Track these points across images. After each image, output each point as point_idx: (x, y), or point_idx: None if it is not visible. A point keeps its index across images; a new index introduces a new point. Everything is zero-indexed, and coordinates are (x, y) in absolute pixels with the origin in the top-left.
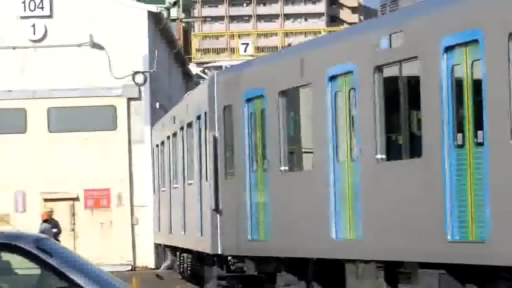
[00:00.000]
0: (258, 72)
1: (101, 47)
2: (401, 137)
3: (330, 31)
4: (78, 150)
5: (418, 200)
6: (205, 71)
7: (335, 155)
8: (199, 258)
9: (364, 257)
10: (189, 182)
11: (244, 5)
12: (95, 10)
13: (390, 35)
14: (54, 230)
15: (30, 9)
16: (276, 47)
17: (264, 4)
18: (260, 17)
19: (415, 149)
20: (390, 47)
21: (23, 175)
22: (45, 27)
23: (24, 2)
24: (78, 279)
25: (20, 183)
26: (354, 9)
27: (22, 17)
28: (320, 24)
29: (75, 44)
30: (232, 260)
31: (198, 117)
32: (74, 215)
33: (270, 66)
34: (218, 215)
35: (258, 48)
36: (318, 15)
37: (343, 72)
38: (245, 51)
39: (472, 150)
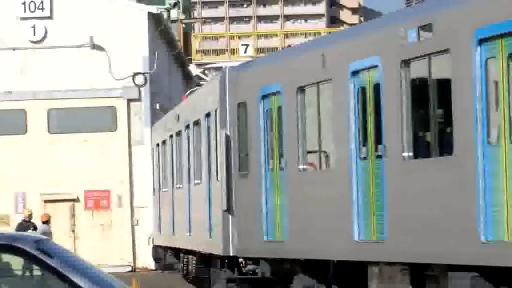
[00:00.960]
0: (274, 68)
1: (101, 48)
2: (429, 134)
3: (329, 32)
4: (78, 151)
5: (449, 199)
6: (205, 72)
7: (358, 153)
8: (205, 260)
9: (389, 259)
10: (196, 181)
11: (245, 5)
12: (95, 11)
13: (418, 28)
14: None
15: (30, 10)
16: (276, 48)
17: (264, 5)
18: (260, 18)
19: (445, 146)
20: (418, 40)
21: (23, 176)
22: (45, 29)
23: (24, 3)
24: (79, 281)
25: (20, 184)
26: (354, 10)
27: (22, 18)
28: (320, 25)
29: (75, 45)
30: (244, 262)
31: (207, 115)
32: (74, 216)
33: (288, 61)
34: (230, 216)
35: (258, 50)
36: (318, 16)
37: (367, 67)
38: (245, 52)
39: (507, 148)
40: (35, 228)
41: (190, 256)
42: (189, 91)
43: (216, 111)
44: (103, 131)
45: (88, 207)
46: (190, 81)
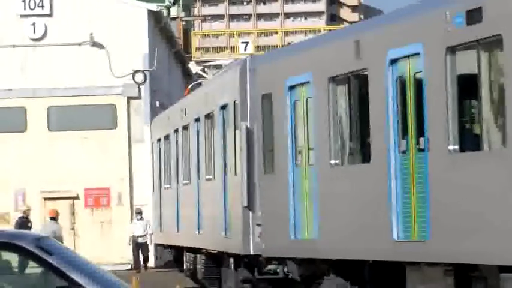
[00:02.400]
0: (303, 57)
1: (101, 46)
2: (478, 126)
3: (329, 30)
4: (78, 149)
5: (501, 194)
6: (205, 69)
7: (397, 146)
8: (215, 259)
9: (431, 259)
10: (207, 177)
11: (245, 3)
12: (95, 9)
13: (466, 12)
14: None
15: (30, 8)
16: (276, 46)
17: (264, 3)
18: (260, 16)
19: (496, 139)
20: (466, 25)
21: (23, 174)
22: (45, 26)
23: (24, 1)
24: (79, 279)
25: (20, 182)
26: (354, 8)
27: (22, 16)
28: (320, 23)
29: (75, 43)
30: (264, 262)
31: (223, 107)
32: (73, 214)
33: (318, 50)
34: (251, 213)
35: (258, 47)
36: (318, 14)
37: (407, 55)
38: (245, 50)
39: None
40: (31, 227)
41: (198, 255)
42: (191, 84)
43: (234, 103)
44: (103, 129)
45: (88, 205)
46: (190, 79)
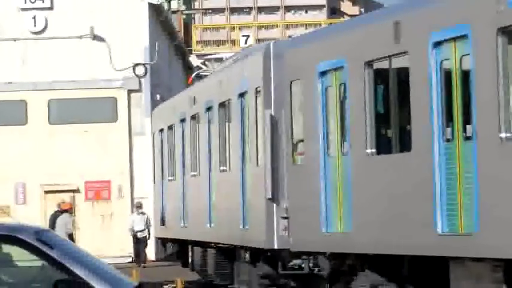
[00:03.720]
0: (336, 41)
1: (101, 39)
2: None
3: (330, 23)
4: (78, 142)
5: None
6: (206, 63)
7: (441, 134)
8: (227, 253)
9: (479, 254)
10: (221, 168)
11: None
12: (96, 2)
13: None
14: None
15: (30, 1)
16: (277, 39)
17: None
18: (261, 9)
19: None
20: None
21: (23, 167)
22: (46, 19)
23: None
24: (79, 271)
25: (20, 175)
26: (354, 2)
27: (23, 9)
28: (321, 16)
29: (75, 36)
30: (288, 256)
31: (241, 95)
32: (74, 206)
33: (353, 33)
34: (275, 205)
35: (259, 41)
36: (318, 7)
37: (452, 37)
38: (245, 43)
39: None
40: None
41: (208, 249)
42: (195, 73)
43: (256, 90)
44: (103, 122)
45: (88, 198)
46: (190, 72)
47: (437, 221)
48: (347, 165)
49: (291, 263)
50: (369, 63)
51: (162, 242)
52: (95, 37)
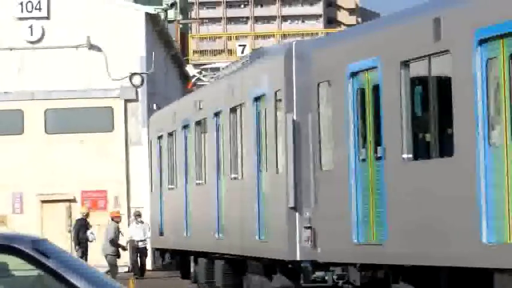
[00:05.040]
0: (368, 40)
1: (98, 49)
2: None
3: (327, 33)
4: (75, 151)
5: None
6: (203, 72)
7: (486, 138)
8: (236, 265)
9: None
10: (232, 176)
11: (242, 6)
12: (92, 11)
13: None
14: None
15: (27, 11)
16: None
17: (262, 6)
18: (257, 19)
19: None
20: None
21: (20, 176)
22: (43, 29)
23: (21, 3)
24: (76, 281)
25: (17, 185)
26: (351, 11)
27: (19, 18)
28: (318, 25)
29: (72, 46)
30: (310, 267)
31: (257, 99)
32: (70, 216)
33: (388, 31)
34: (297, 214)
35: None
36: (315, 17)
37: (501, 34)
38: (242, 52)
39: None
40: (87, 228)
41: (216, 261)
42: (195, 78)
43: (276, 93)
44: (100, 132)
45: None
46: (187, 82)
47: (482, 230)
48: (381, 171)
49: (314, 275)
50: (405, 63)
51: (161, 252)
52: (92, 47)
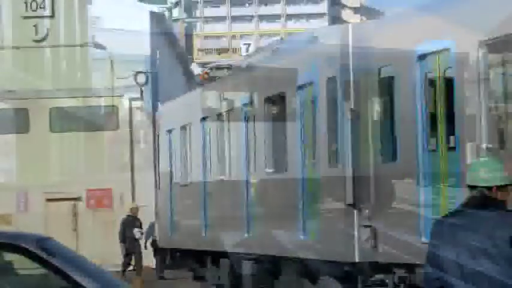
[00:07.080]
0: (440, 18)
1: (102, 47)
2: None
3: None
4: (80, 150)
5: None
6: (207, 71)
7: None
8: (267, 266)
9: None
10: (268, 170)
11: (246, 5)
12: (97, 10)
13: None
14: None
15: (32, 9)
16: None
17: (266, 4)
18: (262, 18)
19: None
20: None
21: (25, 175)
22: (47, 27)
23: (26, 2)
24: (81, 280)
25: (21, 183)
26: (355, 10)
27: (24, 17)
28: (322, 24)
29: (77, 44)
30: (369, 270)
31: (300, 87)
32: (75, 215)
33: (465, 7)
34: (355, 212)
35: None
36: (319, 15)
37: None
38: (247, 51)
39: None
40: (140, 225)
41: (244, 261)
42: (210, 65)
43: (327, 80)
44: (105, 130)
45: (90, 206)
46: (192, 80)
47: None
48: (454, 163)
49: (372, 278)
50: (487, 43)
51: (171, 252)
52: (97, 45)
